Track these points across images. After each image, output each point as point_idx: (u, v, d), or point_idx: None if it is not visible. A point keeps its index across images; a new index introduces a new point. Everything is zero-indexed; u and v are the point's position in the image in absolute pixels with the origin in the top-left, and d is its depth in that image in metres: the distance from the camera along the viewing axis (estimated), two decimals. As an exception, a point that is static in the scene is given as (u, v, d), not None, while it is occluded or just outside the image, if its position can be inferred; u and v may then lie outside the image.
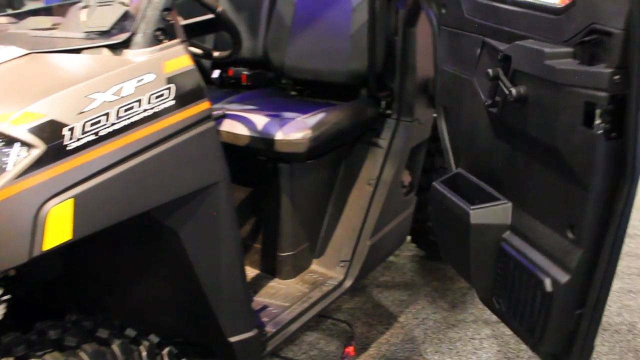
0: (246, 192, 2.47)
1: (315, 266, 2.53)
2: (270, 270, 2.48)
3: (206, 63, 3.00)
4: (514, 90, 1.61)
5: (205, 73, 3.00)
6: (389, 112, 2.58)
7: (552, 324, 1.65)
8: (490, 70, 1.68)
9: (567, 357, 1.68)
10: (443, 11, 2.08)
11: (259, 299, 2.33)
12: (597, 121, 1.43)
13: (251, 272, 2.50)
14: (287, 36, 2.73)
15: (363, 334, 2.80)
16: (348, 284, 2.45)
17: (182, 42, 1.65)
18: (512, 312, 1.80)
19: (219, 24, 2.04)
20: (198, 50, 2.24)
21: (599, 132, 1.42)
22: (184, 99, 1.59)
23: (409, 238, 3.27)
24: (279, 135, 2.24)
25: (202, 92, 1.65)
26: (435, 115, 2.45)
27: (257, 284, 2.43)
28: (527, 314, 1.73)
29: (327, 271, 2.49)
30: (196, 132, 1.63)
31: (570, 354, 1.66)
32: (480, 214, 1.83)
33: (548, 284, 1.62)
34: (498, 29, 1.77)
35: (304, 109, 2.43)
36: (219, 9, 1.96)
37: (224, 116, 2.10)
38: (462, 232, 1.87)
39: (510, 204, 1.81)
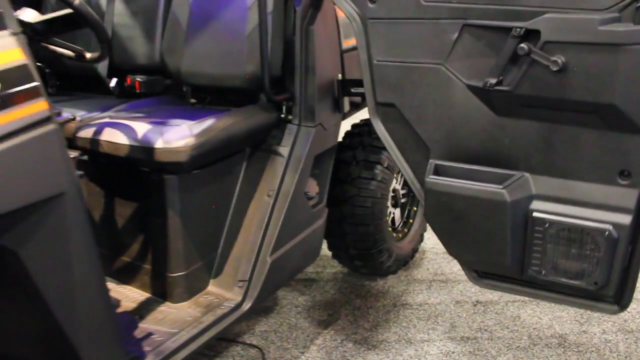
0: (132, 207, 2.24)
1: (212, 287, 2.31)
2: (161, 293, 2.24)
3: (102, 71, 2.78)
4: (559, 59, 1.70)
5: (102, 81, 2.79)
6: (290, 117, 2.39)
7: (616, 266, 1.81)
8: (524, 46, 1.73)
9: (622, 294, 1.87)
10: (371, 5, 1.97)
11: (144, 325, 2.09)
12: None
13: (140, 295, 2.27)
14: (183, 39, 2.53)
15: (275, 360, 2.59)
16: (247, 305, 2.23)
17: (14, 34, 1.44)
18: (562, 274, 1.88)
19: (79, 19, 1.83)
20: (67, 52, 2.03)
21: None
22: (11, 99, 1.38)
23: (330, 254, 3.08)
24: (159, 144, 2.03)
25: (38, 91, 1.44)
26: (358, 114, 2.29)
27: (144, 309, 2.19)
28: (585, 268, 1.84)
29: (225, 292, 2.27)
30: (31, 136, 1.42)
31: (625, 289, 1.87)
32: (512, 190, 1.86)
33: (613, 231, 1.78)
34: (495, 9, 1.82)
35: (195, 116, 2.22)
36: (76, 2, 1.76)
37: (73, 119, 1.88)
38: (493, 214, 1.88)
39: (528, 175, 1.89)
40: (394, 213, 3.24)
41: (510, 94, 1.81)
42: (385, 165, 2.92)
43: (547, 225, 1.85)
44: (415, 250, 3.34)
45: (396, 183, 3.21)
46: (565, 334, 2.74)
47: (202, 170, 2.17)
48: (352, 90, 2.48)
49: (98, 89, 2.82)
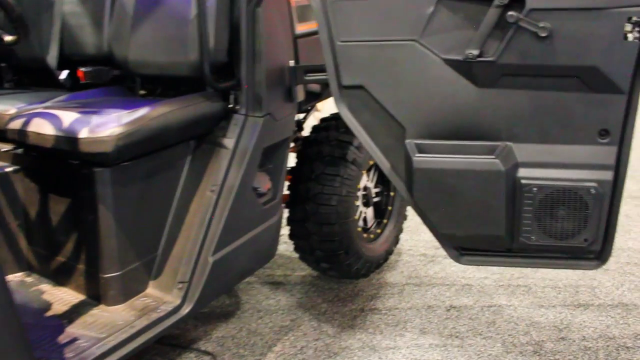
0: (65, 203, 2.09)
1: (151, 289, 2.15)
2: (95, 295, 2.09)
3: (51, 62, 2.64)
4: (546, 24, 1.77)
5: (51, 74, 2.65)
6: (237, 107, 2.23)
7: (602, 221, 1.92)
8: (513, 13, 1.78)
9: (604, 247, 1.98)
10: None
11: (71, 329, 1.94)
12: (636, 34, 1.77)
13: (75, 297, 2.11)
14: (129, 27, 2.37)
15: (226, 367, 2.42)
16: (186, 309, 2.07)
17: None
18: (552, 237, 1.95)
19: None
20: None
21: (636, 40, 1.75)
22: None
23: (297, 255, 2.92)
24: (83, 133, 1.88)
25: None
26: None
27: (75, 312, 2.03)
28: (574, 227, 1.93)
29: (163, 295, 2.11)
30: None
31: (606, 242, 1.98)
32: (503, 160, 1.91)
33: (598, 187, 1.89)
34: None
35: (131, 106, 2.07)
36: None
37: None
38: (488, 185, 1.92)
39: (511, 144, 1.94)
40: (365, 213, 3.07)
41: (494, 64, 1.85)
42: (351, 160, 2.76)
43: (535, 190, 1.92)
44: (389, 252, 3.17)
45: (368, 181, 3.04)
46: (542, 340, 2.55)
47: (137, 163, 2.01)
48: (307, 77, 2.32)
49: (54, 83, 2.68)
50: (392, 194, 3.18)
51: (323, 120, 2.95)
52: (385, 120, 2.01)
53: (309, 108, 3.06)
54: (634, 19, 1.77)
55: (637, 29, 1.79)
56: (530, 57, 1.85)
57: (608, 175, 1.91)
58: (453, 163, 1.93)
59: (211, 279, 2.10)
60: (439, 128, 1.98)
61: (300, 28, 2.46)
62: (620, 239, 3.37)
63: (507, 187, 1.93)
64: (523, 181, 1.95)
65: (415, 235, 3.50)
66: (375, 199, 3.15)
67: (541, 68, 1.85)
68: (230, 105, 2.23)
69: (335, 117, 2.94)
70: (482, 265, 2.16)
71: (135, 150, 1.95)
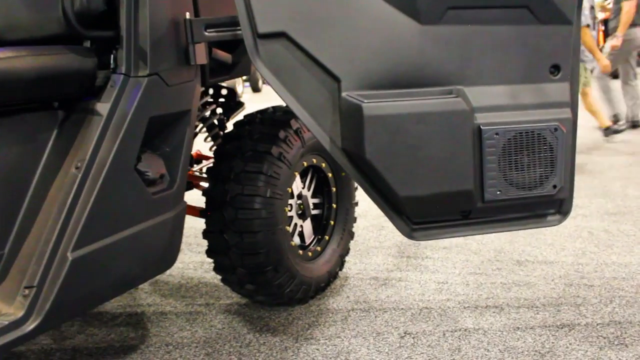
0: None
1: (-7, 298, 1.59)
2: None
3: None
4: None
5: None
6: (114, 65, 1.75)
7: (568, 163, 1.86)
8: None
9: (567, 193, 1.90)
10: None
11: None
12: None
13: None
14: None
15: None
16: (33, 323, 1.50)
17: None
18: (520, 188, 1.82)
19: None
20: None
21: None
22: None
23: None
24: None
25: None
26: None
27: None
28: (542, 173, 1.83)
29: (3, 305, 1.55)
30: None
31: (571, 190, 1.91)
32: (465, 100, 1.76)
33: (560, 126, 1.82)
34: None
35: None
36: None
37: None
38: (453, 128, 1.75)
39: (463, 88, 1.78)
40: (301, 226, 2.56)
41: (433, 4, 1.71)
42: (278, 156, 2.27)
43: (496, 135, 1.78)
44: (333, 274, 2.64)
45: (303, 188, 2.55)
46: (519, 368, 2.03)
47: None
48: (208, 32, 1.86)
49: None
50: (334, 205, 2.69)
51: (246, 115, 2.48)
52: (315, 73, 1.74)
53: (226, 102, 2.60)
54: None
55: None
56: None
57: (567, 112, 1.84)
58: (412, 106, 1.72)
59: (71, 283, 1.56)
60: (380, 76, 1.75)
61: (203, -20, 2.02)
62: (603, 254, 2.90)
63: (473, 132, 1.76)
64: (483, 127, 1.77)
65: (366, 258, 2.99)
66: (315, 211, 2.65)
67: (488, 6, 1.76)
68: (111, 66, 1.75)
69: (260, 112, 2.48)
70: (437, 237, 1.90)
71: None
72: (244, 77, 14.13)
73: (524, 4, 1.77)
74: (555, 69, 1.85)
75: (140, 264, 1.79)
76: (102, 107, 1.68)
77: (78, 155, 1.64)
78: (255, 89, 15.45)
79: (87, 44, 1.79)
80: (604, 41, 7.70)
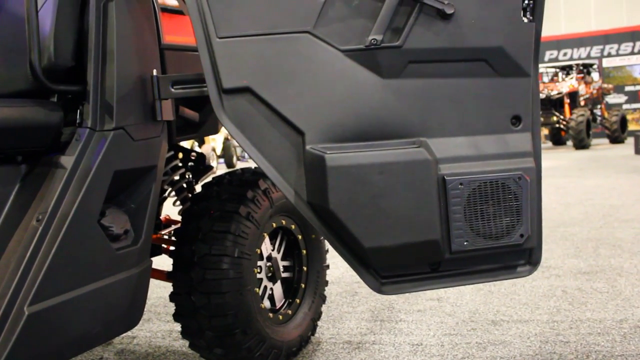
0: None
1: (-58, 361, 1.51)
2: None
3: None
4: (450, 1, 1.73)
5: None
6: (80, 119, 1.74)
7: (534, 211, 1.85)
8: None
9: (535, 242, 1.89)
10: None
11: None
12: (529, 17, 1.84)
13: None
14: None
15: None
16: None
17: None
18: (487, 237, 1.82)
19: None
20: None
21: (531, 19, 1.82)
22: None
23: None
24: None
25: None
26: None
27: None
28: (508, 222, 1.83)
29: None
30: None
31: (539, 239, 1.90)
32: (428, 151, 1.78)
33: (524, 175, 1.83)
34: None
35: None
36: None
37: None
38: (417, 178, 1.76)
39: (426, 139, 1.80)
40: (272, 289, 2.51)
41: (400, 49, 1.75)
42: (246, 216, 2.25)
43: (461, 185, 1.79)
44: (305, 339, 2.58)
45: (273, 250, 2.52)
46: None
47: None
48: (175, 89, 1.88)
49: None
50: (304, 268, 2.65)
51: (215, 177, 2.48)
52: (279, 127, 1.76)
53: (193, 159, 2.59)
54: (525, 1, 1.83)
55: (528, 12, 1.85)
56: (437, 40, 1.76)
57: (530, 162, 1.86)
58: (375, 157, 1.73)
59: (26, 339, 1.49)
60: (344, 129, 1.76)
61: (172, 40, 2.06)
62: (577, 311, 2.88)
63: (437, 182, 1.77)
64: (447, 178, 1.78)
65: (339, 323, 2.92)
66: (285, 274, 2.61)
67: (449, 51, 1.79)
68: (77, 121, 1.75)
69: (229, 173, 2.48)
70: (408, 291, 1.88)
71: None
72: (218, 153, 14.24)
73: (482, 57, 1.81)
74: (517, 119, 1.87)
75: (102, 321, 1.73)
76: (67, 160, 1.67)
77: (40, 208, 1.61)
78: (230, 165, 15.53)
79: (55, 98, 1.80)
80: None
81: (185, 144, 8.68)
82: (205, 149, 13.01)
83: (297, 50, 1.74)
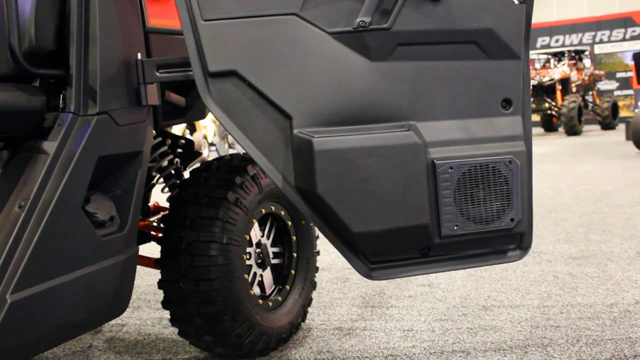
0: None
1: None
2: None
3: None
4: None
5: None
6: (63, 104, 1.71)
7: (524, 195, 1.84)
8: None
9: (525, 226, 1.87)
10: None
11: None
12: None
13: None
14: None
15: None
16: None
17: None
18: (477, 222, 1.80)
19: None
20: None
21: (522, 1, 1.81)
22: None
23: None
24: None
25: None
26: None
27: None
28: (498, 206, 1.81)
29: None
30: None
31: (529, 224, 1.89)
32: (417, 134, 1.76)
33: (514, 159, 1.81)
34: None
35: None
36: None
37: None
38: (406, 162, 1.74)
39: (415, 123, 1.78)
40: (261, 275, 2.49)
41: (388, 32, 1.73)
42: (234, 202, 2.23)
43: (451, 169, 1.76)
44: (295, 325, 2.56)
45: (263, 236, 2.50)
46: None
47: None
48: (160, 73, 1.84)
49: None
50: (294, 254, 2.63)
51: (203, 163, 2.46)
52: (266, 111, 1.74)
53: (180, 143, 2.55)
54: None
55: None
56: (425, 22, 1.75)
57: (521, 145, 1.84)
58: (363, 140, 1.71)
59: (8, 327, 1.47)
60: (332, 113, 1.75)
61: (157, 23, 2.02)
62: (568, 296, 2.88)
63: (427, 166, 1.75)
64: (437, 162, 1.76)
65: (329, 310, 2.91)
66: (275, 261, 2.59)
67: (438, 34, 1.77)
68: (60, 105, 1.72)
69: (217, 159, 2.46)
70: (397, 276, 1.85)
71: None
72: (210, 141, 14.17)
73: (472, 39, 1.80)
74: (507, 103, 1.86)
75: (87, 309, 1.71)
76: (49, 146, 1.64)
77: (22, 194, 1.59)
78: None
79: (37, 83, 1.77)
80: None
81: (177, 131, 8.63)
82: (196, 137, 12.94)
83: (283, 33, 1.72)
